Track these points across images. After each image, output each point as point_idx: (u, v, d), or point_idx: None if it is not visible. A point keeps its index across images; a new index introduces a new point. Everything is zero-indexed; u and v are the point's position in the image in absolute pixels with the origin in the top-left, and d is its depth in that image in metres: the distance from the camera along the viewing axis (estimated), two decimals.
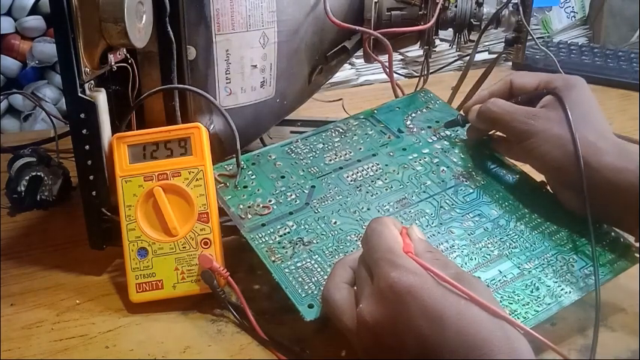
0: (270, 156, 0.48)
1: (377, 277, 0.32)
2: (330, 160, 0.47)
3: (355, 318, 0.33)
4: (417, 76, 0.62)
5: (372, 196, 0.45)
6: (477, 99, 0.48)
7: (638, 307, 0.42)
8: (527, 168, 0.47)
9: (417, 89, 0.56)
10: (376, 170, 0.47)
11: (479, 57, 1.03)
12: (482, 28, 0.56)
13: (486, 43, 1.07)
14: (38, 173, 0.55)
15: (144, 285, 0.42)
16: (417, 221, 0.43)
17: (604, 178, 0.40)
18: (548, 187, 0.46)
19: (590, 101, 0.43)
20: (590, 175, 0.40)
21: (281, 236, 0.41)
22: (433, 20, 0.54)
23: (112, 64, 0.43)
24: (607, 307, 0.42)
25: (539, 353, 0.33)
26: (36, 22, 1.35)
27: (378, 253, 0.33)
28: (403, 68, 1.04)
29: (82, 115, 0.41)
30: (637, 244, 0.42)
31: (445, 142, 0.50)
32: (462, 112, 0.50)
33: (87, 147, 0.42)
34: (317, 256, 0.40)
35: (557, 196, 0.44)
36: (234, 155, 0.46)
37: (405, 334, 0.30)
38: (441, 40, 0.61)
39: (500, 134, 0.48)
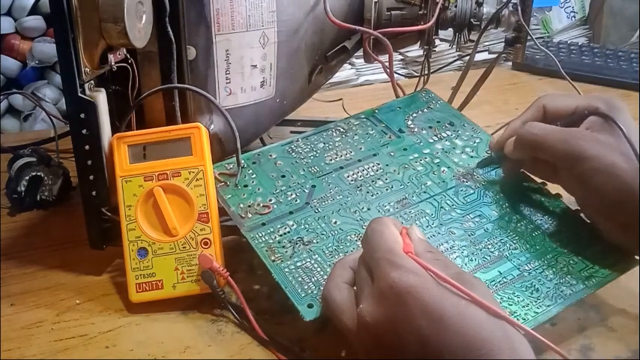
0: (270, 155, 0.47)
1: (377, 277, 0.32)
2: (331, 160, 0.47)
3: (355, 318, 0.32)
4: (417, 76, 0.62)
5: (372, 196, 0.45)
6: (510, 132, 0.44)
7: (638, 307, 0.42)
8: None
9: (417, 89, 0.56)
10: (377, 170, 0.47)
11: (479, 57, 1.03)
12: (482, 28, 0.56)
13: (486, 43, 1.07)
14: (38, 173, 0.55)
15: (144, 285, 0.42)
16: (417, 221, 0.43)
17: None
18: (547, 187, 0.46)
19: (634, 126, 0.39)
20: None
21: (281, 236, 0.41)
22: (433, 20, 0.53)
23: (112, 64, 0.43)
24: (607, 307, 0.42)
25: (539, 353, 0.33)
26: (36, 22, 1.35)
27: (379, 253, 0.33)
28: (403, 68, 1.04)
29: (82, 115, 0.41)
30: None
31: (446, 143, 0.50)
32: (490, 149, 0.47)
33: (87, 147, 0.42)
34: (317, 255, 0.40)
35: (595, 226, 0.41)
36: (233, 155, 0.46)
37: (406, 334, 0.30)
38: (441, 40, 0.61)
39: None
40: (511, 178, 0.46)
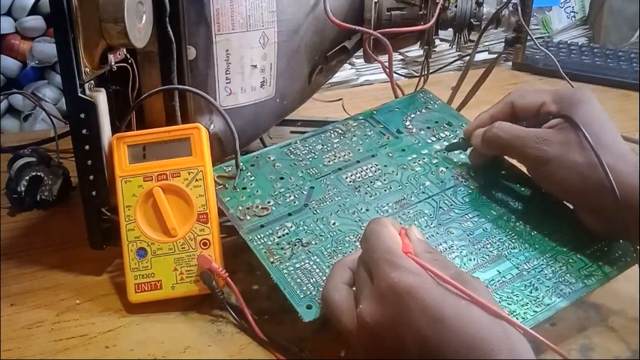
0: (269, 157, 0.48)
1: (376, 278, 0.32)
2: (329, 161, 0.47)
3: (354, 319, 0.32)
4: (417, 76, 0.62)
5: (371, 197, 0.45)
6: (478, 122, 0.46)
7: (639, 307, 0.42)
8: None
9: (417, 89, 0.56)
10: (375, 171, 0.47)
11: (479, 57, 1.03)
12: (482, 28, 0.56)
13: (486, 43, 1.07)
14: (38, 173, 0.55)
15: (143, 285, 0.42)
16: (416, 222, 0.43)
17: (626, 201, 0.38)
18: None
19: (602, 117, 0.41)
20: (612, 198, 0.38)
21: (280, 237, 0.41)
22: (433, 20, 0.54)
23: (112, 64, 0.43)
24: (607, 308, 0.42)
25: (539, 353, 0.33)
26: (36, 22, 1.35)
27: (377, 253, 0.33)
28: (403, 68, 1.04)
29: (82, 115, 0.41)
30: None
31: (444, 143, 0.50)
32: (462, 135, 0.48)
33: (87, 147, 0.42)
34: (316, 257, 0.40)
35: (578, 218, 0.43)
36: (233, 156, 0.46)
37: (405, 334, 0.30)
38: (441, 40, 0.61)
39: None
40: (476, 164, 0.48)
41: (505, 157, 0.48)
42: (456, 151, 0.49)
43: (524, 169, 0.46)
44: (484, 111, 0.47)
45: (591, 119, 0.40)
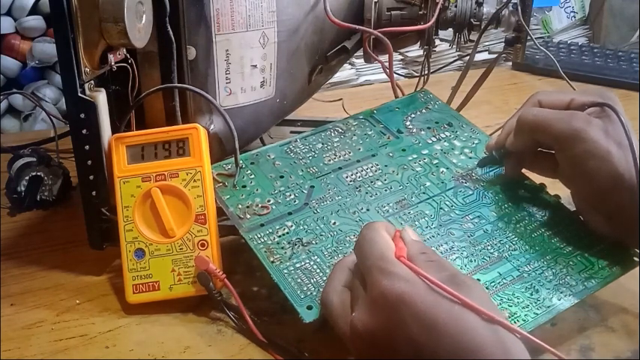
0: (268, 155, 0.47)
1: (369, 285, 0.32)
2: (330, 161, 0.47)
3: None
4: (417, 76, 0.62)
5: (371, 196, 0.45)
6: (509, 128, 0.44)
7: (638, 307, 0.42)
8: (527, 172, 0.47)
9: (417, 89, 0.56)
10: (375, 171, 0.47)
11: (479, 57, 1.04)
12: (482, 28, 0.56)
13: (486, 43, 1.07)
14: (38, 173, 0.55)
15: (140, 286, 0.42)
16: (416, 222, 0.43)
17: None
18: (546, 188, 0.46)
19: (627, 121, 0.39)
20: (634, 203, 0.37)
21: (280, 237, 0.41)
22: (433, 20, 0.53)
23: (112, 64, 0.43)
24: (607, 307, 0.42)
25: (538, 355, 0.33)
26: (36, 22, 1.35)
27: (370, 260, 0.32)
28: (403, 68, 1.04)
29: (82, 115, 0.41)
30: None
31: (445, 143, 0.50)
32: (487, 150, 0.47)
33: (87, 147, 0.42)
34: (316, 256, 0.40)
35: (581, 215, 0.42)
36: (232, 155, 0.46)
37: (399, 342, 0.30)
38: (441, 40, 0.61)
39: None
40: (512, 177, 0.46)
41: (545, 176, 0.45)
42: (488, 167, 0.47)
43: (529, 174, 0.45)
44: (511, 117, 0.45)
45: (623, 117, 0.39)
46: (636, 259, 0.41)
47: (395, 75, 0.56)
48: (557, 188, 0.45)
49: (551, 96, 0.43)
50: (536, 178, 0.46)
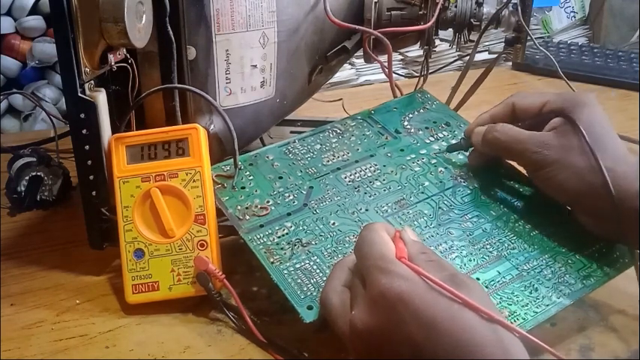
0: (267, 157, 0.47)
1: (369, 285, 0.32)
2: (328, 161, 0.47)
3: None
4: (416, 76, 0.62)
5: (370, 197, 0.45)
6: (479, 122, 0.46)
7: (638, 308, 0.42)
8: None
9: (417, 89, 0.56)
10: (374, 171, 0.47)
11: (479, 57, 1.04)
12: (482, 28, 0.56)
13: (486, 43, 1.07)
14: (38, 173, 0.55)
15: (140, 286, 0.42)
16: (415, 222, 0.43)
17: (625, 204, 0.38)
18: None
19: (603, 121, 0.41)
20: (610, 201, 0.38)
21: (279, 237, 0.41)
22: (433, 20, 0.54)
23: (112, 64, 0.43)
24: (607, 308, 0.42)
25: (537, 354, 0.33)
26: (36, 22, 1.35)
27: (370, 260, 0.32)
28: (403, 68, 1.04)
29: (82, 115, 0.41)
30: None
31: (443, 143, 0.50)
32: (464, 135, 0.48)
33: (87, 147, 0.42)
34: (316, 257, 0.40)
35: (578, 220, 0.42)
36: (231, 156, 0.46)
37: (398, 341, 0.30)
38: (441, 40, 0.61)
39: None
40: (474, 166, 0.48)
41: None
42: (457, 152, 0.49)
43: (522, 170, 0.46)
44: (485, 112, 0.47)
45: (592, 122, 0.40)
46: (635, 257, 0.41)
47: (395, 75, 0.56)
48: None
49: (526, 100, 0.44)
50: None
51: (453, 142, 0.49)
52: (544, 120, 0.42)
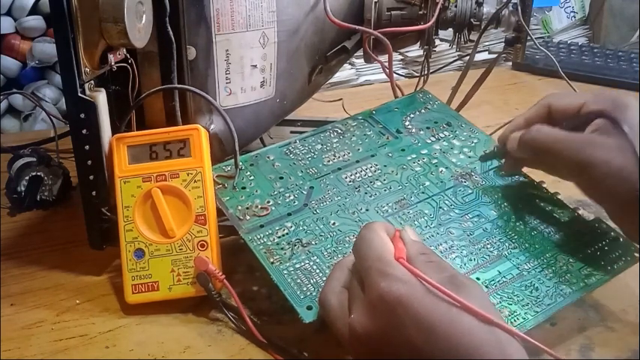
0: (268, 157, 0.47)
1: (367, 287, 0.31)
2: (329, 161, 0.47)
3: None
4: (417, 76, 0.62)
5: (370, 197, 0.45)
6: (513, 126, 0.44)
7: (638, 307, 0.42)
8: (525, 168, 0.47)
9: (417, 89, 0.56)
10: (375, 171, 0.47)
11: (479, 57, 1.04)
12: (482, 28, 0.56)
13: (486, 43, 1.07)
14: (38, 173, 0.55)
15: (140, 286, 0.42)
16: (415, 222, 0.43)
17: None
18: (546, 186, 0.46)
19: (633, 127, 0.38)
20: None
21: (279, 237, 0.41)
22: (433, 20, 0.54)
23: (112, 64, 0.43)
24: (607, 307, 0.42)
25: (537, 355, 0.33)
26: (36, 22, 1.35)
27: (368, 262, 0.32)
28: (403, 68, 1.04)
29: (82, 115, 0.41)
30: (636, 244, 0.42)
31: (444, 143, 0.50)
32: (496, 143, 0.46)
33: (87, 147, 0.42)
34: (316, 257, 0.40)
35: (618, 227, 0.41)
36: (232, 156, 0.46)
37: (397, 344, 0.30)
38: (441, 40, 0.61)
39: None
40: (510, 173, 0.47)
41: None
42: (489, 162, 0.47)
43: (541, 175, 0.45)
44: (519, 115, 0.44)
45: (636, 123, 0.38)
46: (636, 254, 0.41)
47: (395, 75, 0.56)
48: (556, 186, 0.45)
49: (563, 100, 0.42)
50: (536, 175, 0.46)
51: (455, 142, 0.49)
52: (583, 122, 0.40)
